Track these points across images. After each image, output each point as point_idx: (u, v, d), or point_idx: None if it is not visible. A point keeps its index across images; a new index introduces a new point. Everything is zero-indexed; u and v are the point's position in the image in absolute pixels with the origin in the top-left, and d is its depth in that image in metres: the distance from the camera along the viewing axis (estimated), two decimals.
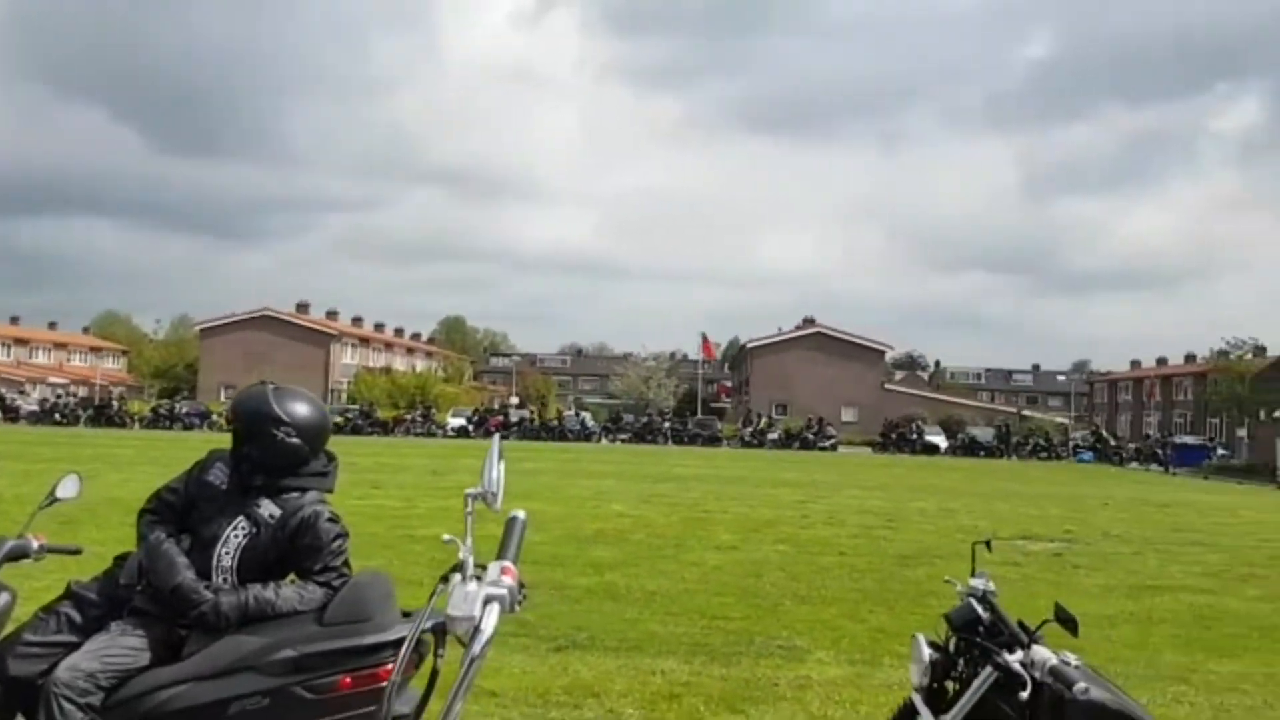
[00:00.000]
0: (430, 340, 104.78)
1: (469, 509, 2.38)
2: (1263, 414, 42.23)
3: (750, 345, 70.23)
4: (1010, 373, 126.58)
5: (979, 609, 3.04)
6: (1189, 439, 53.71)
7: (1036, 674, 2.82)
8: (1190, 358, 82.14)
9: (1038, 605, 3.05)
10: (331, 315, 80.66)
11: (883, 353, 70.45)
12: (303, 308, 76.92)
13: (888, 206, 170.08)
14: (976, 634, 3.00)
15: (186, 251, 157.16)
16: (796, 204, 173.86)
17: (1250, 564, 12.33)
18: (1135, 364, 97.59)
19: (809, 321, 70.67)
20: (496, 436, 2.86)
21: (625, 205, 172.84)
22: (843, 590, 9.35)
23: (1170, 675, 6.64)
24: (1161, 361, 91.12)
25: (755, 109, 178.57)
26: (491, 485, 2.50)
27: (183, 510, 3.31)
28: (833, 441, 50.92)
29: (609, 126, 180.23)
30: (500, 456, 2.55)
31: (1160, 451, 48.70)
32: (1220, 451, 49.59)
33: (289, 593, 3.11)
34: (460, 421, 52.56)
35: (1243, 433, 48.54)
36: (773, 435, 51.77)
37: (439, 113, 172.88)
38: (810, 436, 51.05)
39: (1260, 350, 59.76)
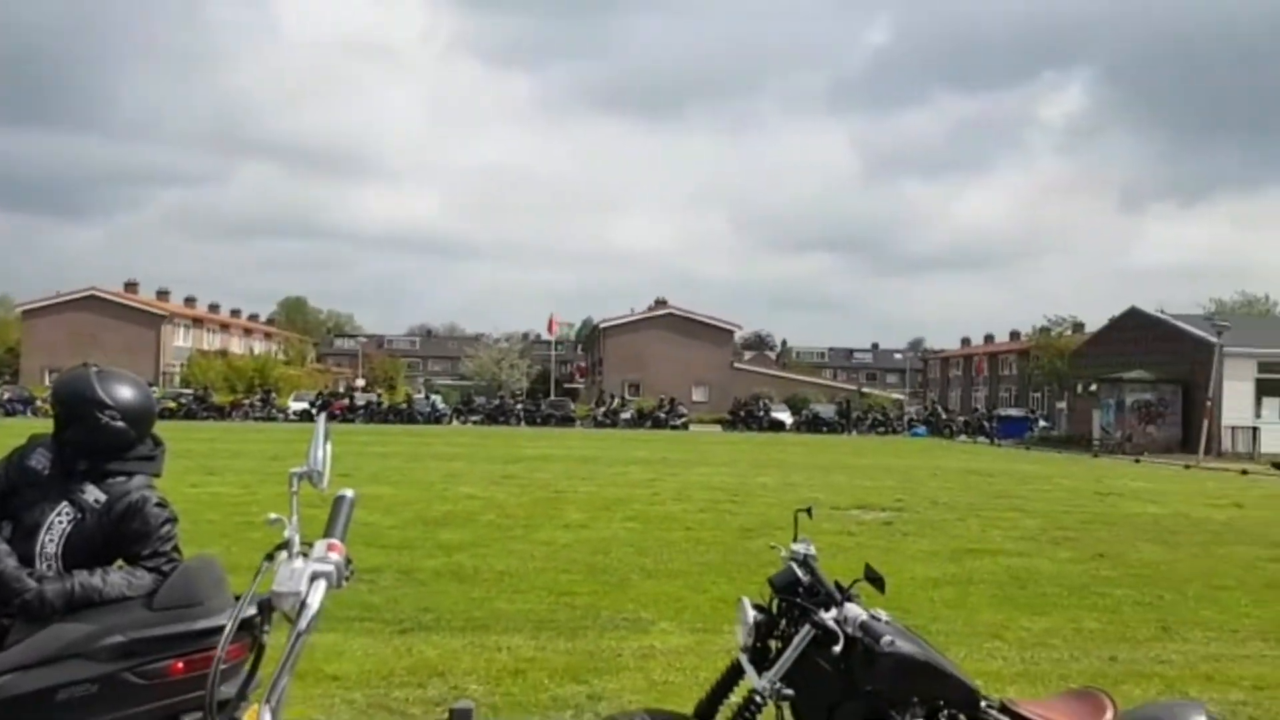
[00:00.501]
0: (270, 321, 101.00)
1: (294, 488, 2.39)
2: (1080, 387, 45.14)
3: (603, 326, 70.60)
4: (851, 351, 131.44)
5: (799, 572, 3.21)
6: (1013, 412, 56.99)
7: (849, 629, 3.01)
8: (1015, 335, 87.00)
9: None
10: (163, 295, 76.85)
11: (732, 333, 71.97)
12: (131, 287, 72.97)
13: (736, 188, 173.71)
14: (796, 595, 3.17)
15: (7, 226, 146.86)
16: (648, 186, 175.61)
17: (1063, 528, 13.25)
18: (965, 341, 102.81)
19: (661, 302, 71.51)
20: (323, 415, 2.85)
21: (475, 183, 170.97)
22: (687, 564, 9.61)
23: (986, 632, 7.12)
24: (989, 339, 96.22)
25: (607, 90, 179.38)
26: (317, 464, 2.51)
27: (2, 497, 3.19)
28: (684, 420, 51.84)
29: (457, 103, 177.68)
30: (327, 436, 2.56)
31: (986, 424, 51.57)
32: (1042, 423, 52.78)
33: (117, 579, 3.04)
34: (303, 405, 51.03)
35: (1062, 405, 51.80)
36: (625, 415, 52.33)
37: (278, 85, 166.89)
38: (662, 416, 51.81)
39: (1079, 327, 63.80)
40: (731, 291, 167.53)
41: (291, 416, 49.81)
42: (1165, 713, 3.38)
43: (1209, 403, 34.17)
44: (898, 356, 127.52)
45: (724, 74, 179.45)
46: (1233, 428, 36.08)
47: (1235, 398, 36.38)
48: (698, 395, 63.58)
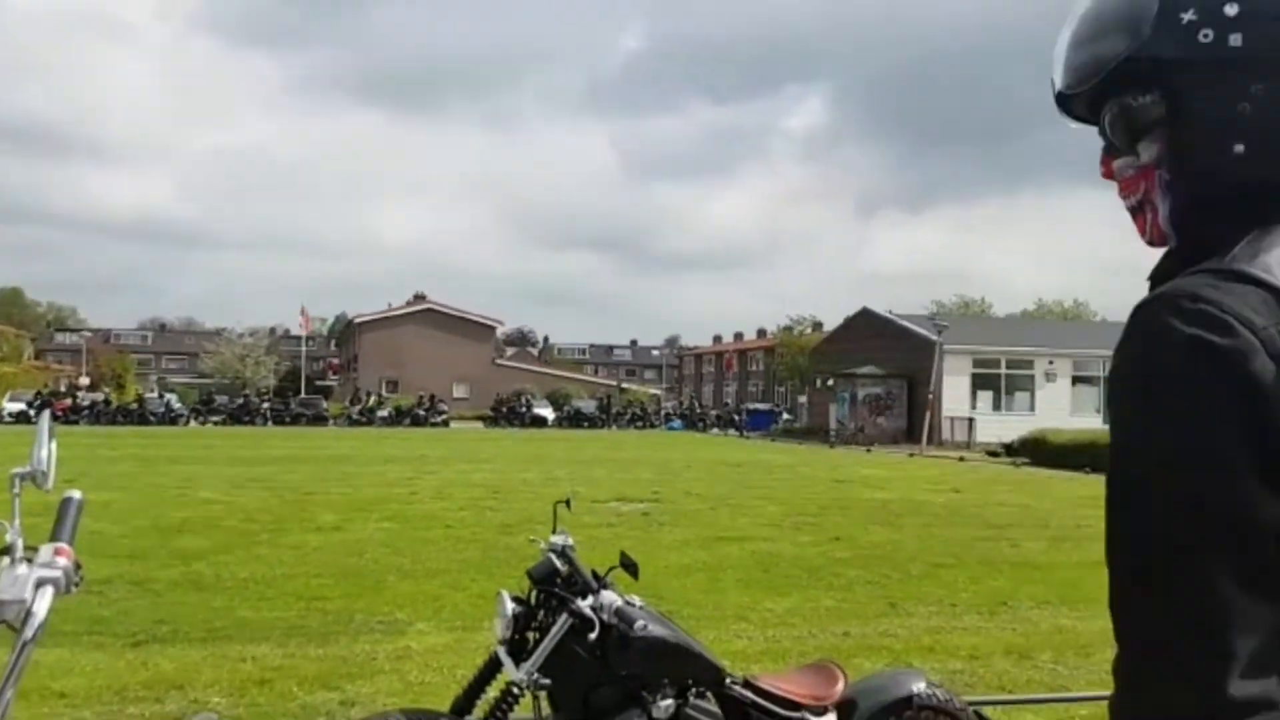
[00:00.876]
0: None
1: (16, 490, 2.21)
2: (819, 382, 48.04)
3: (358, 321, 68.40)
4: (611, 347, 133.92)
5: (557, 562, 3.28)
6: (760, 406, 59.85)
7: (605, 616, 3.11)
8: (762, 333, 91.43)
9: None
10: None
11: (493, 329, 71.60)
12: None
13: (498, 183, 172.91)
14: (555, 585, 3.24)
15: None
16: (408, 177, 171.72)
17: (804, 514, 14.09)
18: (717, 339, 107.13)
19: (420, 297, 70.12)
20: (46, 413, 2.64)
21: (216, 168, 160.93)
22: (446, 562, 9.51)
23: (734, 614, 7.48)
24: (739, 337, 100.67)
25: (363, 78, 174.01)
26: (41, 464, 2.32)
27: None
28: (444, 417, 51.08)
29: (197, 83, 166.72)
30: (51, 434, 2.38)
31: (736, 418, 53.97)
32: (785, 416, 55.78)
33: None
34: (19, 406, 46.39)
35: (804, 399, 54.92)
36: (383, 413, 50.90)
37: None
38: (421, 413, 50.83)
39: (818, 325, 67.91)
40: (496, 287, 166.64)
41: (6, 418, 45.24)
42: (889, 681, 3.67)
43: (931, 396, 37.28)
44: (655, 353, 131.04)
45: (484, 68, 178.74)
46: (952, 419, 39.44)
47: (954, 391, 39.78)
48: (459, 392, 62.87)
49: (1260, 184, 1.05)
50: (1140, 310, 0.99)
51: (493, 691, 3.30)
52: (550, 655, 3.12)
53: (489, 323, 69.55)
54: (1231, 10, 1.05)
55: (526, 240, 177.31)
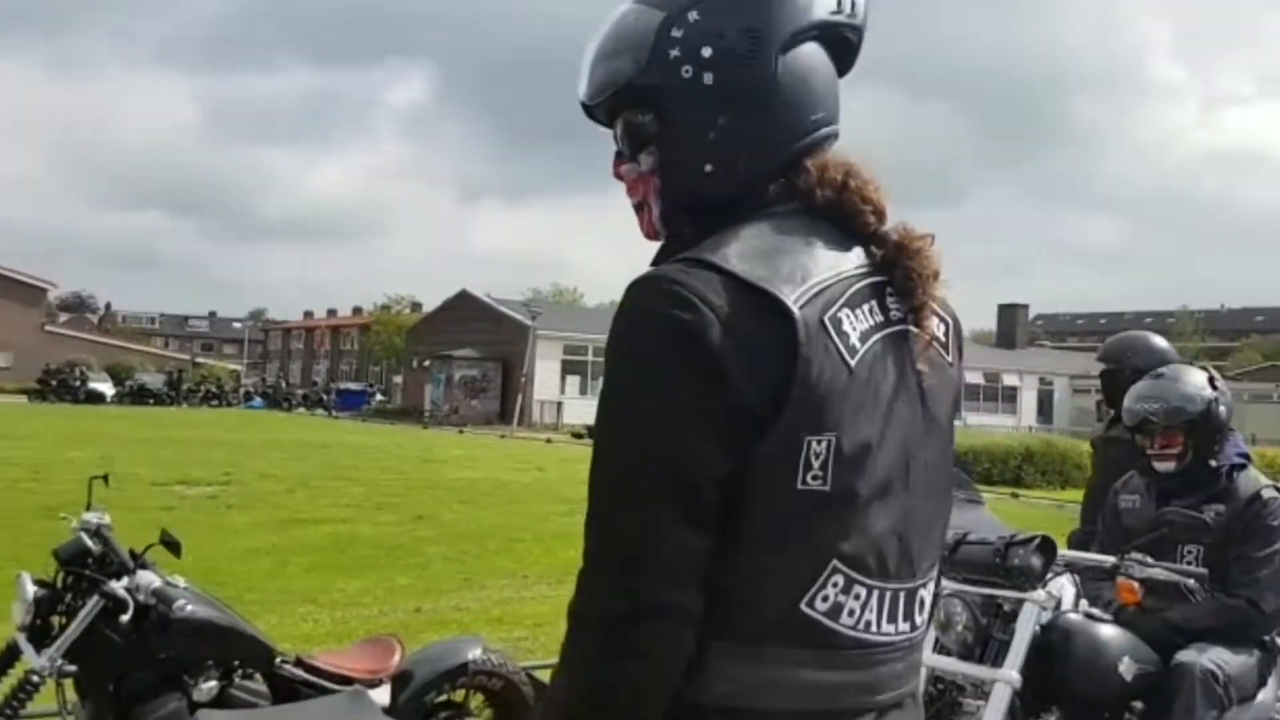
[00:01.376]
0: None
1: None
2: (415, 362, 47.72)
3: None
4: (186, 318, 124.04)
5: (89, 542, 3.04)
6: (352, 385, 58.27)
7: (141, 597, 2.93)
8: (358, 310, 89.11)
9: (186, 545, 3.15)
10: None
11: (45, 291, 63.32)
12: None
13: (56, 130, 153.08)
14: (85, 566, 3.00)
15: None
16: None
17: (388, 494, 13.98)
18: (309, 314, 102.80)
19: None
20: None
21: None
22: None
23: (301, 597, 7.29)
24: (332, 312, 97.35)
25: None
26: None
27: None
28: None
29: None
30: None
31: (325, 397, 52.12)
32: (379, 396, 54.80)
33: None
34: None
35: (399, 379, 54.29)
36: None
37: None
38: None
39: (417, 306, 67.49)
40: (47, 243, 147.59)
41: None
42: (446, 650, 3.79)
43: (523, 379, 38.44)
44: (237, 325, 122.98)
45: (43, 4, 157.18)
46: (542, 402, 40.97)
47: (545, 375, 41.36)
48: (0, 361, 55.04)
49: (722, 196, 1.28)
50: (629, 290, 1.18)
51: (11, 680, 3.00)
52: (78, 640, 2.90)
53: (39, 284, 61.38)
54: (707, 53, 1.25)
55: (88, 195, 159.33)
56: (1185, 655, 3.17)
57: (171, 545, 3.09)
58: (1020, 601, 3.09)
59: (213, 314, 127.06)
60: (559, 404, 40.59)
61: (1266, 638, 3.41)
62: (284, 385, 57.67)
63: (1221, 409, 3.48)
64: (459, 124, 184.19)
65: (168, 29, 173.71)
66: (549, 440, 31.00)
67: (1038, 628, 3.09)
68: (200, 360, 68.77)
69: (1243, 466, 3.55)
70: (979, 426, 34.11)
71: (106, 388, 48.47)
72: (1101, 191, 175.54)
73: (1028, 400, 54.40)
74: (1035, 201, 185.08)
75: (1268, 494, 3.44)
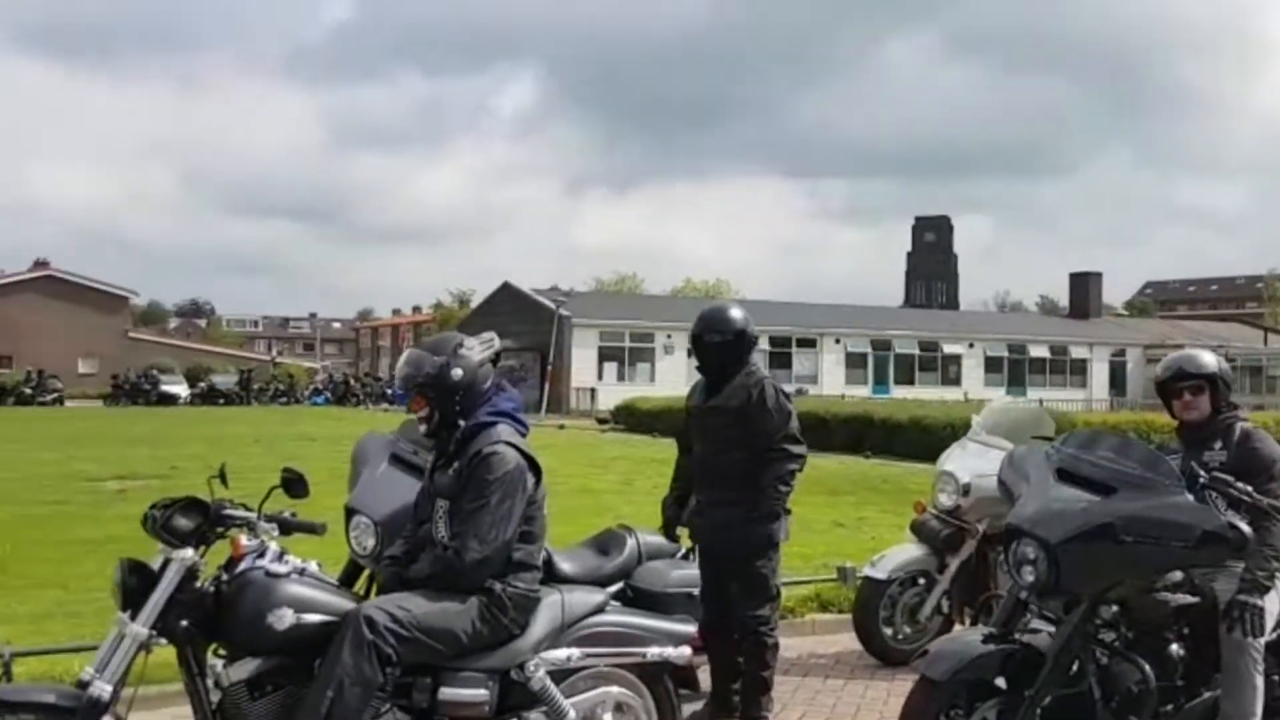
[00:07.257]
0: None
1: None
2: None
3: None
4: (288, 320, 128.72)
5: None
6: None
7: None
8: (438, 305, 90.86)
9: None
10: None
11: (126, 299, 66.61)
12: None
13: (186, 147, 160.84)
14: None
15: None
16: (72, 135, 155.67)
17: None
18: (397, 311, 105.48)
19: (41, 263, 64.00)
20: None
21: None
22: None
23: None
24: (416, 309, 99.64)
25: (16, 26, 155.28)
26: None
27: None
28: (55, 395, 47.15)
29: None
30: None
31: (387, 390, 53.23)
32: None
33: None
34: None
35: None
36: None
37: None
38: (29, 392, 46.61)
39: (464, 300, 68.75)
40: (169, 253, 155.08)
41: None
42: None
43: (550, 368, 38.85)
44: (336, 326, 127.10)
45: (169, 29, 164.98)
46: (578, 389, 41.32)
47: (581, 363, 41.69)
48: (86, 368, 58.24)
49: None
50: None
51: None
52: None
53: (120, 293, 64.50)
54: None
55: (214, 207, 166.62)
56: None
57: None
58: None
59: (313, 315, 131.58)
60: (593, 390, 40.81)
61: None
62: (351, 381, 59.10)
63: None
64: (564, 123, 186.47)
65: (291, 47, 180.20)
66: (561, 426, 30.63)
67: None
68: (280, 360, 71.34)
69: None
70: (1045, 401, 32.08)
71: (180, 389, 50.57)
72: (1215, 157, 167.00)
73: (1099, 372, 52.26)
74: (1149, 169, 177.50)
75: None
